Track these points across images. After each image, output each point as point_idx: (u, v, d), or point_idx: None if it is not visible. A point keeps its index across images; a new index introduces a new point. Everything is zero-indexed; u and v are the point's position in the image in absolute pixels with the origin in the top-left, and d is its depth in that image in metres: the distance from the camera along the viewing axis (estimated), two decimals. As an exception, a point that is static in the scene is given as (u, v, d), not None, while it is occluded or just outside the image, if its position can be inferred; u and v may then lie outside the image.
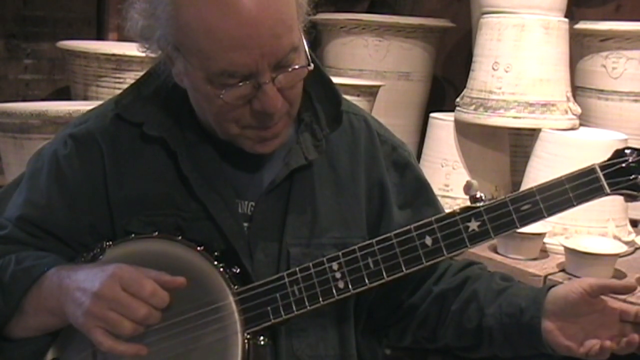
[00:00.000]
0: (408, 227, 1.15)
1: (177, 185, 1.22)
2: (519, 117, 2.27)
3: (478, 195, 1.15)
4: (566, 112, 2.28)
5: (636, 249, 2.12)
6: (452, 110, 2.45)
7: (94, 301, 1.08)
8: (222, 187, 1.21)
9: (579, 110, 2.32)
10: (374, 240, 1.15)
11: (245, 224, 1.22)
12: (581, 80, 2.50)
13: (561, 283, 1.86)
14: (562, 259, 1.98)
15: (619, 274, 1.93)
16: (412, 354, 2.67)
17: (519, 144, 2.60)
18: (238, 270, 1.19)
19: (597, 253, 1.90)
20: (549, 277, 1.91)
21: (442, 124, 2.46)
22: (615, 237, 2.05)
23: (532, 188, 1.14)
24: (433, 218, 1.15)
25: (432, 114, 2.56)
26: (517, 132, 2.55)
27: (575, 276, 1.89)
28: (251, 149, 1.18)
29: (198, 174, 1.21)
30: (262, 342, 1.16)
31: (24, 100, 2.79)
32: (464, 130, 2.41)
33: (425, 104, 3.03)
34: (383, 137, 1.33)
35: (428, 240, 1.14)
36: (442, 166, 2.42)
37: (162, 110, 1.23)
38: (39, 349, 1.20)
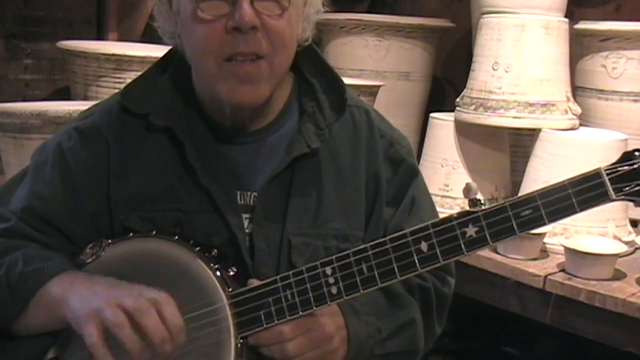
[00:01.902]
0: (404, 231, 1.11)
1: (181, 175, 1.22)
2: (519, 117, 2.27)
3: (477, 199, 1.11)
4: (566, 112, 2.28)
5: (636, 249, 2.13)
6: (452, 110, 2.45)
7: (105, 298, 1.08)
8: (223, 178, 1.22)
9: (579, 110, 2.32)
10: (368, 245, 1.12)
11: (247, 215, 1.22)
12: (581, 80, 2.50)
13: (561, 283, 1.88)
14: (562, 259, 1.98)
15: (619, 274, 1.93)
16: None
17: (519, 144, 2.60)
18: (234, 272, 1.19)
19: (597, 253, 1.90)
20: (549, 277, 1.91)
21: (442, 124, 2.46)
22: (615, 237, 2.05)
23: (533, 192, 1.09)
24: (430, 222, 1.11)
25: (432, 114, 2.56)
26: (517, 132, 2.55)
27: (575, 276, 1.90)
28: (227, 97, 1.17)
29: (203, 165, 1.21)
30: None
31: (24, 100, 2.80)
32: (464, 130, 2.41)
33: (425, 104, 3.04)
34: (382, 131, 1.32)
35: (424, 246, 1.10)
36: (442, 166, 2.42)
37: (169, 100, 1.24)
38: (41, 349, 1.20)
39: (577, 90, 2.50)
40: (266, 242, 1.21)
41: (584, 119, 2.41)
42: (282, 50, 1.16)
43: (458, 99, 2.43)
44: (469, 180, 2.38)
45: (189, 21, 1.15)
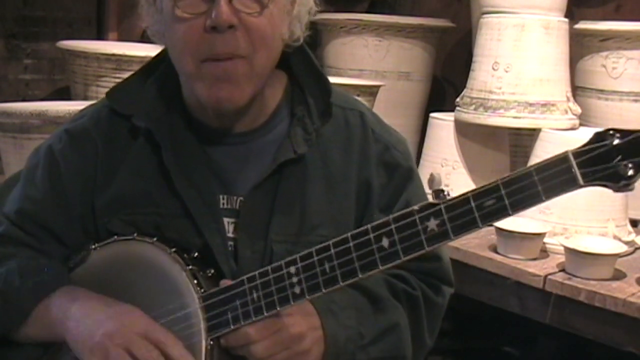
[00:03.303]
0: (365, 227, 1.06)
1: (158, 180, 1.21)
2: (519, 117, 2.27)
3: (440, 190, 1.03)
4: (566, 112, 2.28)
5: (636, 249, 2.13)
6: (452, 110, 2.45)
7: (111, 335, 1.10)
8: (203, 182, 1.20)
9: (579, 110, 2.32)
10: (330, 243, 1.07)
11: (233, 220, 1.21)
12: (581, 80, 2.50)
13: (561, 283, 1.88)
14: (562, 259, 1.98)
15: (619, 274, 1.93)
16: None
17: (519, 144, 2.60)
18: (211, 273, 1.18)
19: (597, 253, 1.90)
20: (549, 277, 1.91)
21: (442, 124, 2.46)
22: (615, 237, 2.05)
23: (497, 181, 1.00)
24: (391, 217, 1.05)
25: (432, 114, 2.56)
26: (517, 132, 2.55)
27: (575, 276, 1.89)
28: (206, 97, 1.15)
29: (180, 168, 1.20)
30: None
31: (24, 100, 2.79)
32: (464, 130, 2.41)
33: (425, 104, 3.04)
34: (378, 135, 1.28)
35: (385, 243, 1.04)
36: (442, 166, 2.42)
37: (153, 101, 1.23)
38: (37, 357, 1.22)
39: (577, 90, 2.50)
40: (251, 250, 1.19)
41: (584, 119, 2.41)
42: (262, 50, 1.13)
43: (458, 99, 2.43)
44: (469, 180, 2.38)
45: (169, 20, 1.14)
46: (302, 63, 1.25)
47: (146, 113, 1.22)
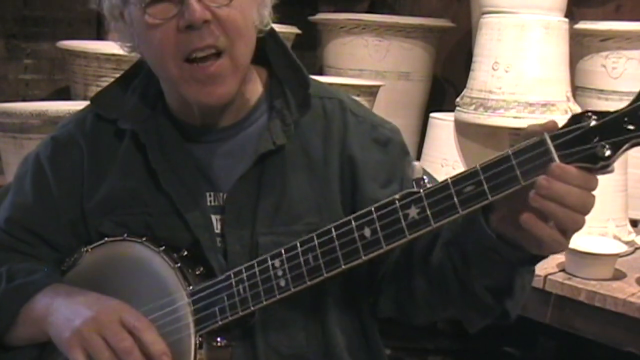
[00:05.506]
0: (348, 218, 1.07)
1: (146, 179, 1.23)
2: (519, 117, 2.27)
3: (421, 179, 1.04)
4: (566, 112, 2.28)
5: (636, 249, 2.13)
6: (452, 110, 2.45)
7: (87, 322, 1.11)
8: (190, 180, 1.22)
9: (579, 110, 2.32)
10: (314, 234, 1.09)
11: (220, 216, 1.23)
12: (581, 80, 2.50)
13: (561, 283, 1.88)
14: (562, 259, 1.98)
15: (619, 274, 1.93)
16: (412, 353, 2.67)
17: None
18: (200, 271, 1.20)
19: (597, 253, 1.90)
20: (549, 277, 1.91)
21: (442, 124, 2.46)
22: (615, 237, 2.05)
23: (476, 166, 1.00)
24: (373, 207, 1.06)
25: (432, 114, 2.56)
26: (517, 132, 2.55)
27: (575, 276, 1.90)
28: (196, 99, 1.16)
29: (167, 167, 1.22)
30: (219, 344, 1.17)
31: (24, 100, 2.79)
32: (464, 130, 2.41)
33: (425, 104, 3.04)
34: (361, 117, 1.29)
35: (367, 232, 1.05)
36: (442, 166, 2.42)
37: (137, 104, 1.26)
38: (33, 358, 1.23)
39: (577, 90, 2.50)
40: (239, 243, 1.20)
41: (584, 119, 2.40)
42: (239, 40, 1.14)
43: (458, 99, 2.43)
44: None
45: (141, 29, 1.14)
46: (281, 58, 1.26)
47: (131, 116, 1.24)
